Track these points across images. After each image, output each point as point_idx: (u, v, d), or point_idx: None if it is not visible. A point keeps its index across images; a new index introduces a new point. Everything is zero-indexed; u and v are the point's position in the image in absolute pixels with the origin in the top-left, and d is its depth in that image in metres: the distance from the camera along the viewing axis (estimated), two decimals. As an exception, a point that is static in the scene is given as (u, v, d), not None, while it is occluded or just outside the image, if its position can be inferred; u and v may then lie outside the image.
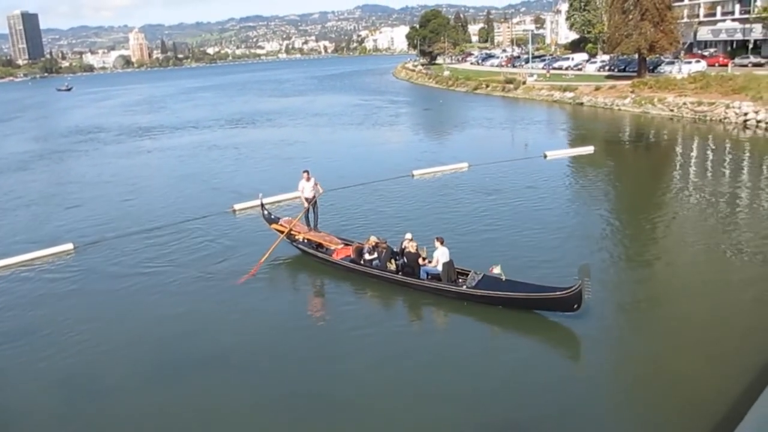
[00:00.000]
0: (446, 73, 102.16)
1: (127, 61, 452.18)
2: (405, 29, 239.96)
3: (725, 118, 44.21)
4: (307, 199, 20.15)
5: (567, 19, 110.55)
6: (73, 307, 17.02)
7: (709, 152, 35.57)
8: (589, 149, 35.56)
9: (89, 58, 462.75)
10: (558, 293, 13.83)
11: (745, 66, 62.70)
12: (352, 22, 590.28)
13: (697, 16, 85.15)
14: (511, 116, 57.98)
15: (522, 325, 14.40)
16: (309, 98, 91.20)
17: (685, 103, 48.61)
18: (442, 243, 16.16)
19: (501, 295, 14.75)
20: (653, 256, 18.82)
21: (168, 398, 12.40)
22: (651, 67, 65.34)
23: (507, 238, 20.26)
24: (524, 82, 73.55)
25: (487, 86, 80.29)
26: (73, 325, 15.77)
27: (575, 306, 13.70)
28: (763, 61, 65.20)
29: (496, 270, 15.03)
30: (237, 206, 26.12)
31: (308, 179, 20.18)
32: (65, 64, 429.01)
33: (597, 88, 61.15)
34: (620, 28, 61.25)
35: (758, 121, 41.54)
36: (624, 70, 70.40)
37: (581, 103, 60.45)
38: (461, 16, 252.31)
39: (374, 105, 74.14)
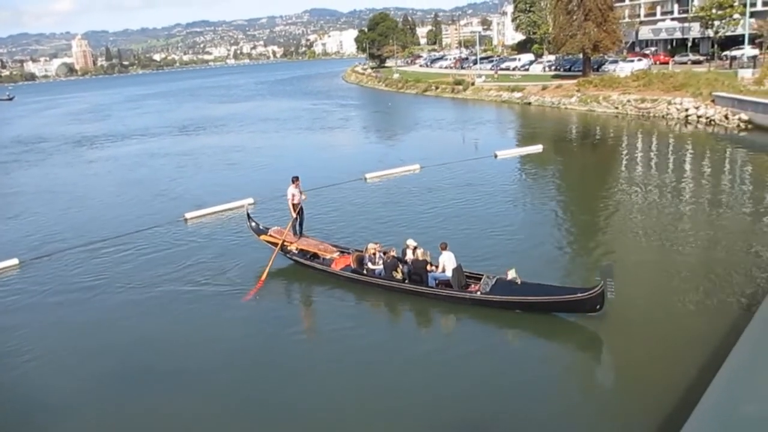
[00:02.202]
0: (396, 75, 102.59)
1: (70, 69, 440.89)
2: (353, 33, 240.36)
3: (668, 114, 45.52)
4: (294, 206, 19.40)
5: (513, 20, 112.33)
6: (21, 324, 16.36)
7: (653, 147, 36.56)
8: (537, 148, 36.15)
9: (30, 67, 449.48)
10: (581, 295, 13.67)
11: (685, 63, 64.75)
12: (301, 27, 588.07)
13: (638, 15, 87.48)
14: (461, 117, 58.54)
15: (536, 327, 14.12)
16: (258, 103, 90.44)
17: (629, 101, 49.88)
18: (446, 248, 15.76)
19: (521, 300, 14.43)
20: (602, 248, 19.18)
21: (128, 417, 12.00)
22: (595, 66, 66.80)
23: (462, 237, 20.28)
24: (473, 83, 74.35)
25: (437, 88, 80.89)
26: (20, 343, 15.19)
27: (598, 307, 13.59)
28: (701, 58, 67.38)
29: (511, 273, 14.83)
30: (189, 215, 25.65)
31: (297, 186, 19.38)
32: (5, 72, 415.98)
33: (544, 88, 62.21)
34: (565, 28, 62.52)
35: (699, 117, 42.88)
36: (569, 70, 71.85)
37: (529, 103, 61.40)
38: (409, 18, 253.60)
39: (324, 109, 73.96)
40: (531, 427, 10.83)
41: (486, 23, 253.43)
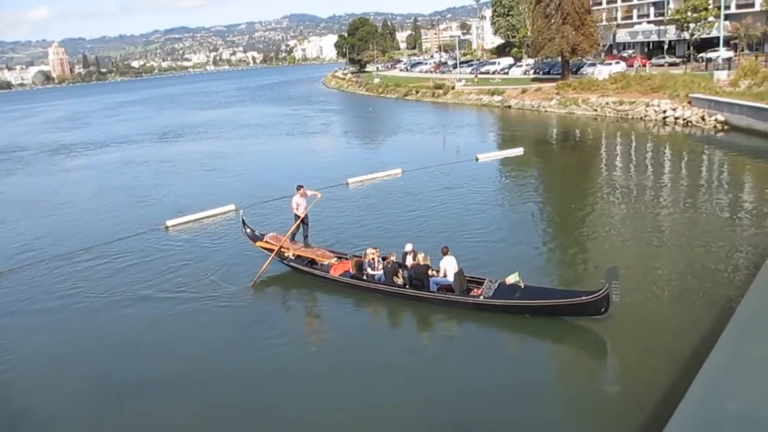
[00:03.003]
0: (376, 80, 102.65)
1: (47, 77, 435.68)
2: (333, 38, 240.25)
3: (646, 115, 46.03)
4: (299, 215, 19.07)
5: (492, 24, 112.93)
6: (-1, 335, 16.14)
7: (632, 149, 36.94)
8: (518, 151, 36.35)
9: (6, 75, 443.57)
10: (585, 298, 13.58)
11: (662, 66, 65.52)
12: (280, 32, 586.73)
13: (615, 19, 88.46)
14: (442, 121, 58.74)
15: (537, 330, 14.01)
16: (239, 109, 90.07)
17: (607, 103, 50.38)
18: (447, 252, 15.63)
19: (525, 304, 14.31)
20: (584, 249, 19.37)
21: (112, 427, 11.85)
22: (574, 69, 67.37)
23: (447, 240, 20.28)
24: (453, 87, 74.66)
25: (417, 92, 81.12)
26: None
27: (602, 309, 13.51)
28: (678, 60, 68.25)
29: (514, 277, 14.65)
30: (170, 222, 25.43)
31: (303, 195, 19.08)
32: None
33: (523, 91, 62.65)
34: (543, 32, 63.00)
35: (676, 118, 43.40)
36: (548, 73, 72.37)
37: (509, 106, 61.78)
38: (389, 23, 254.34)
39: (305, 114, 73.88)
40: (532, 429, 10.88)
41: (465, 27, 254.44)
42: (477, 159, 34.99)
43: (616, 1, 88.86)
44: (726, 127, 38.80)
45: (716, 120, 39.70)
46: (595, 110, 51.02)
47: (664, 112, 44.61)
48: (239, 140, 53.29)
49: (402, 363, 13.12)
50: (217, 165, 40.68)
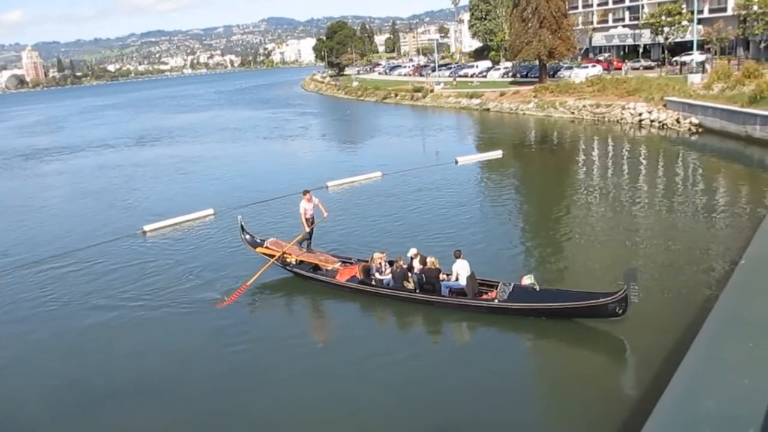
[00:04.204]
0: (355, 83, 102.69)
1: (20, 81, 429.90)
2: (312, 41, 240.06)
3: (622, 118, 46.52)
4: (307, 221, 18.82)
5: (470, 28, 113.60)
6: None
7: (609, 151, 37.35)
8: (497, 153, 36.54)
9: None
10: (603, 300, 13.40)
11: (637, 69, 66.28)
12: (258, 36, 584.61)
13: (591, 22, 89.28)
14: (421, 124, 58.90)
15: (546, 332, 13.90)
16: (217, 113, 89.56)
17: (584, 106, 50.85)
18: (460, 256, 15.46)
19: (543, 307, 14.12)
20: (559, 248, 19.57)
21: None
22: (551, 73, 67.90)
23: (426, 243, 20.37)
24: (432, 91, 74.87)
25: (396, 95, 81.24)
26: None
27: (620, 311, 13.35)
28: (653, 64, 69.09)
29: (528, 280, 14.52)
30: (147, 227, 25.13)
31: (309, 200, 18.85)
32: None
33: (502, 94, 63.01)
34: (520, 35, 63.48)
35: (651, 121, 43.93)
36: (526, 76, 72.92)
37: (488, 109, 62.08)
38: (367, 27, 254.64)
39: (283, 117, 73.64)
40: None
41: (443, 31, 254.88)
42: (456, 162, 35.10)
43: (591, 5, 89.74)
44: (700, 129, 39.33)
45: (691, 123, 40.24)
46: (573, 113, 51.47)
47: (640, 114, 45.13)
48: (217, 144, 52.97)
49: (415, 368, 12.96)
50: (195, 169, 40.39)
